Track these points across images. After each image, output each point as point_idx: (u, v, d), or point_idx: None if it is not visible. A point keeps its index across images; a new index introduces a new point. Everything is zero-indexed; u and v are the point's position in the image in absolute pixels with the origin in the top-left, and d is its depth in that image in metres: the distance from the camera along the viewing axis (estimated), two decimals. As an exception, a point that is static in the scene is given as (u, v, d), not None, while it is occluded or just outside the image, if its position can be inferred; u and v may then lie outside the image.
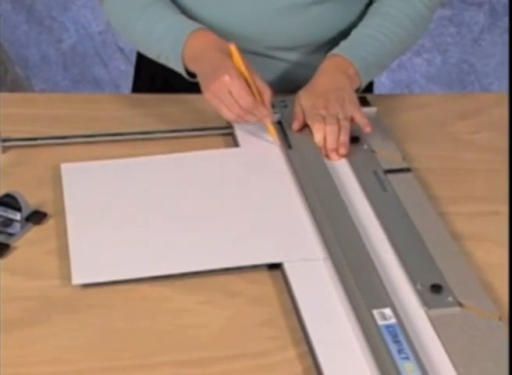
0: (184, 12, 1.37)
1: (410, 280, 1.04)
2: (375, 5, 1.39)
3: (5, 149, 1.26)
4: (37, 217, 1.13)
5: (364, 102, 1.35)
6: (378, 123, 1.33)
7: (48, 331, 0.97)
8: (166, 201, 1.16)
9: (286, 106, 1.33)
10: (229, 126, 1.33)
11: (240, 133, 1.31)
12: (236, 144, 1.30)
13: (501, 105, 1.43)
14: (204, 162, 1.25)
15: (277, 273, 1.06)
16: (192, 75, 1.30)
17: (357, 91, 1.32)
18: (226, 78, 1.21)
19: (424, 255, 1.07)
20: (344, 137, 1.24)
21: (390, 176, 1.21)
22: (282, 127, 1.30)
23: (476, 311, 0.99)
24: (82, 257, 1.06)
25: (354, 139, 1.28)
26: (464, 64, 2.70)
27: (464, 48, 2.68)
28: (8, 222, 1.11)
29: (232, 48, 1.23)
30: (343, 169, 1.24)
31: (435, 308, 0.99)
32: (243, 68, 1.23)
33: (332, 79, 1.29)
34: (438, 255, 1.07)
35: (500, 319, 0.99)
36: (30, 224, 1.12)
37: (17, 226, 1.11)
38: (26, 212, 1.12)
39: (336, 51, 1.33)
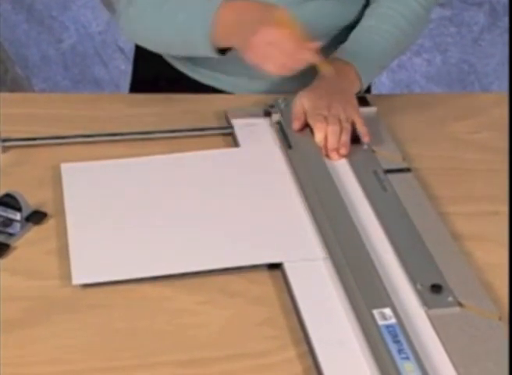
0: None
1: (410, 280, 1.04)
2: (372, 6, 1.40)
3: (5, 149, 1.26)
4: (37, 217, 1.13)
5: (364, 102, 1.35)
6: (378, 123, 1.33)
7: (48, 331, 0.97)
8: (166, 201, 1.16)
9: (286, 106, 1.33)
10: (229, 126, 1.33)
11: (240, 133, 1.31)
12: (236, 144, 1.30)
13: (501, 105, 1.43)
14: (204, 162, 1.25)
15: (277, 273, 1.06)
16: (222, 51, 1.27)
17: (357, 94, 1.32)
18: (264, 29, 1.16)
19: (424, 255, 1.07)
20: (345, 138, 1.25)
21: (390, 176, 1.21)
22: (282, 127, 1.30)
23: (476, 311, 0.99)
24: (82, 257, 1.06)
25: (354, 139, 1.28)
26: (463, 64, 2.70)
27: (464, 48, 2.68)
28: (8, 222, 1.11)
29: (282, 14, 1.18)
30: (343, 169, 1.24)
31: (435, 308, 0.99)
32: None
33: (334, 82, 1.30)
34: (438, 255, 1.07)
35: (500, 319, 0.99)
36: (30, 224, 1.12)
37: (17, 226, 1.11)
38: (26, 212, 1.12)
39: (336, 54, 1.33)
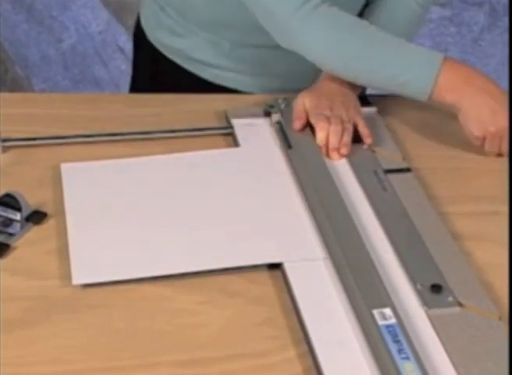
0: (192, 12, 1.36)
1: (410, 280, 1.04)
2: (371, 6, 1.40)
3: (5, 149, 1.26)
4: (37, 217, 1.13)
5: (364, 102, 1.35)
6: (378, 123, 1.34)
7: (48, 331, 0.97)
8: (166, 201, 1.16)
9: (286, 106, 1.33)
10: (229, 126, 1.33)
11: (240, 133, 1.31)
12: (236, 144, 1.30)
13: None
14: (204, 162, 1.25)
15: (277, 273, 1.06)
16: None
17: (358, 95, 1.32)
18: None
19: (424, 255, 1.07)
20: (347, 138, 1.25)
21: (390, 176, 1.21)
22: (282, 127, 1.30)
23: (476, 311, 0.99)
24: (82, 257, 1.06)
25: (354, 139, 1.28)
26: (463, 64, 2.70)
27: (464, 48, 2.68)
28: (8, 222, 1.11)
29: None
30: (343, 169, 1.24)
31: (435, 308, 0.99)
32: None
33: (336, 84, 1.30)
34: (438, 255, 1.07)
35: (500, 319, 0.99)
36: (30, 224, 1.12)
37: (17, 226, 1.11)
38: (26, 212, 1.12)
39: None
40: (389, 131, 1.33)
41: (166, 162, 1.24)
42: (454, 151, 1.32)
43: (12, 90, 2.77)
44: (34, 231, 1.11)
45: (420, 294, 1.01)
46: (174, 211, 1.14)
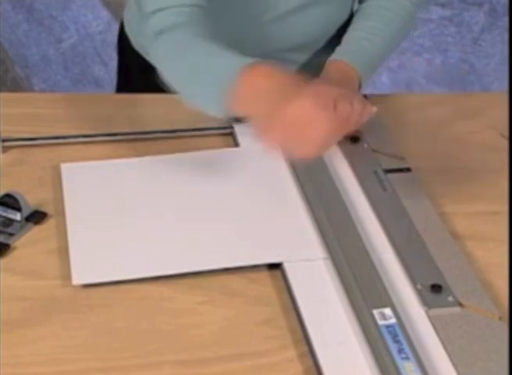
0: None
1: (410, 280, 1.04)
2: (363, 5, 1.40)
3: (5, 149, 1.26)
4: (37, 217, 1.13)
5: (364, 102, 1.35)
6: (378, 123, 1.33)
7: (48, 331, 0.97)
8: (166, 201, 1.16)
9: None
10: (229, 126, 1.32)
11: (240, 133, 1.31)
12: (236, 144, 1.30)
13: (501, 105, 1.43)
14: (204, 162, 1.25)
15: (277, 273, 1.06)
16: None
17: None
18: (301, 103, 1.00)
19: (424, 255, 1.07)
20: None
21: (390, 176, 1.21)
22: (282, 127, 1.30)
23: (476, 311, 0.99)
24: (82, 257, 1.06)
25: (354, 139, 1.28)
26: (464, 64, 2.70)
27: (464, 48, 2.68)
28: (8, 222, 1.11)
29: None
30: (343, 169, 1.24)
31: (435, 308, 0.99)
32: None
33: (337, 82, 1.30)
34: (438, 255, 1.07)
35: (500, 319, 0.99)
36: (30, 224, 1.12)
37: (17, 226, 1.11)
38: (26, 212, 1.12)
39: (336, 56, 1.33)
40: (389, 131, 1.33)
41: (166, 162, 1.24)
42: (454, 151, 1.32)
43: (12, 90, 2.77)
44: (34, 231, 1.11)
45: (420, 294, 1.01)
46: (174, 211, 1.14)
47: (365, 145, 1.27)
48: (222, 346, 0.96)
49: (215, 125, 1.33)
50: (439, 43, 2.67)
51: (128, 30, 1.51)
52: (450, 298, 1.00)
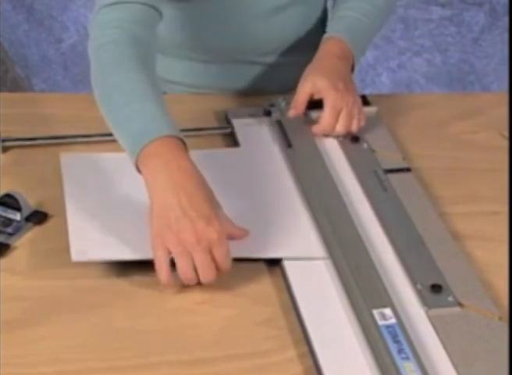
0: (167, 26, 1.35)
1: (410, 280, 1.04)
2: None
3: (5, 149, 1.26)
4: (37, 217, 1.13)
5: (364, 102, 1.35)
6: (378, 123, 1.34)
7: (48, 331, 0.97)
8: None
9: (286, 105, 1.33)
10: (229, 126, 1.33)
11: (240, 133, 1.31)
12: (236, 144, 1.30)
13: (501, 105, 1.43)
14: (204, 162, 1.24)
15: (277, 273, 1.06)
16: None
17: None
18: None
19: (424, 255, 1.07)
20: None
21: (390, 176, 1.21)
22: (282, 126, 1.30)
23: (476, 311, 0.99)
24: (80, 238, 1.05)
25: (354, 139, 1.28)
26: (464, 64, 2.70)
27: (464, 48, 2.68)
28: (8, 222, 1.11)
29: None
30: (343, 169, 1.24)
31: (435, 308, 0.99)
32: None
33: (338, 57, 1.30)
34: (438, 255, 1.07)
35: (500, 319, 0.99)
36: (30, 224, 1.12)
37: (17, 226, 1.11)
38: (26, 212, 1.12)
39: (333, 33, 1.34)
40: (389, 131, 1.33)
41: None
42: (454, 151, 1.32)
43: (12, 90, 2.77)
44: (34, 231, 1.11)
45: (420, 294, 1.01)
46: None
47: (365, 145, 1.28)
48: (222, 346, 0.96)
49: (215, 125, 1.33)
50: (439, 43, 2.66)
51: None
52: (450, 298, 1.00)
